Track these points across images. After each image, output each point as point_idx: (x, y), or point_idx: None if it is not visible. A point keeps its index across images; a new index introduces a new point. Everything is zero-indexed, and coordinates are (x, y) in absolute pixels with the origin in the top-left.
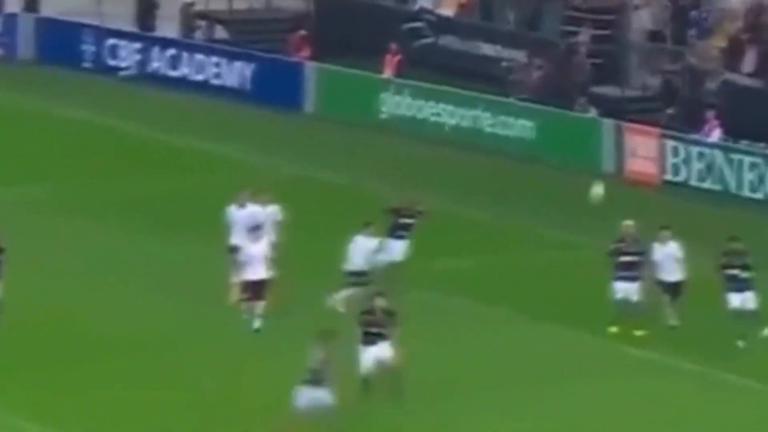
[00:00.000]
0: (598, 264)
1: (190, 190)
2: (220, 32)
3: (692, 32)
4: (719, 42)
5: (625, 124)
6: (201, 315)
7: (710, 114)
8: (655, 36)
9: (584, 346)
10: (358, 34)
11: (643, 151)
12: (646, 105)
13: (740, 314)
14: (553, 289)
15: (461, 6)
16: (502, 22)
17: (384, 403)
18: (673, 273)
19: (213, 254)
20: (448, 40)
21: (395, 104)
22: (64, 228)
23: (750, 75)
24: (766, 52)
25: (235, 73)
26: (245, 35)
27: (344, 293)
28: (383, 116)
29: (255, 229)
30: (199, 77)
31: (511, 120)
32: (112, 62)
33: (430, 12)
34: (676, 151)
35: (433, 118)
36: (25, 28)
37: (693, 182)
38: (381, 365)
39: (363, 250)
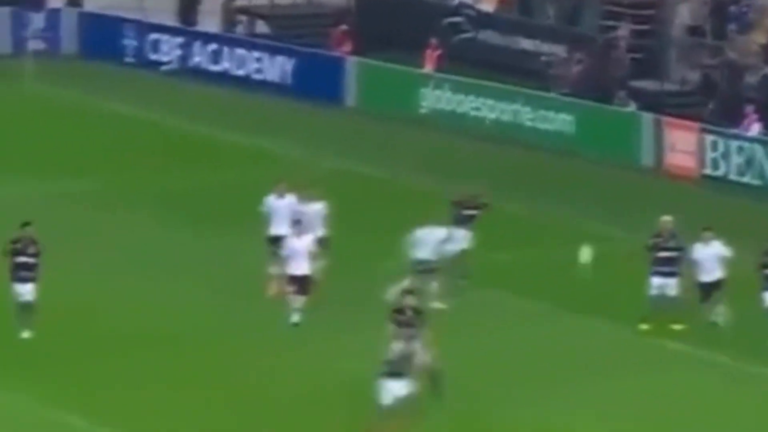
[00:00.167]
0: (637, 258)
1: (231, 185)
2: (262, 27)
3: (732, 27)
4: (759, 37)
5: (665, 119)
6: (240, 309)
7: (749, 108)
8: (694, 31)
9: (622, 340)
10: (398, 29)
11: (683, 146)
12: (685, 99)
13: None
14: (591, 282)
15: (501, 1)
16: (542, 17)
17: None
18: (712, 272)
19: (253, 248)
20: (488, 35)
21: (435, 99)
22: (105, 222)
23: None
24: None
25: (277, 68)
26: (286, 30)
27: (434, 287)
28: (423, 110)
29: (298, 224)
30: (241, 72)
31: (550, 114)
32: (154, 57)
33: (470, 7)
34: (715, 146)
35: (473, 113)
36: (68, 23)
37: (732, 177)
38: (415, 367)
39: (429, 240)
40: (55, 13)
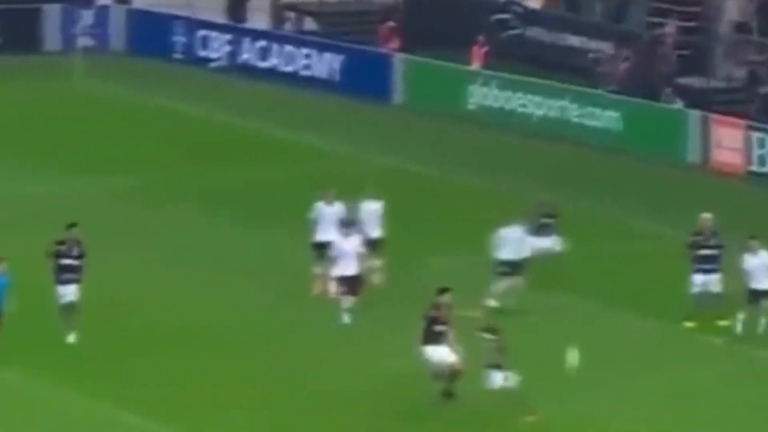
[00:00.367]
0: (683, 255)
1: (278, 181)
2: (310, 24)
3: None
4: None
5: (711, 116)
6: (286, 307)
7: None
8: (741, 27)
9: (667, 336)
10: (446, 26)
11: (729, 142)
12: (731, 96)
13: None
14: (637, 279)
15: None
16: (589, 14)
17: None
18: (763, 281)
19: (300, 246)
20: (536, 32)
21: (483, 95)
22: (153, 218)
23: None
24: None
25: (325, 65)
26: (335, 27)
27: (500, 286)
28: (471, 107)
29: (347, 225)
30: (289, 68)
31: (597, 111)
32: (202, 53)
33: (518, 4)
34: (761, 143)
35: (520, 109)
36: (117, 19)
37: None
38: (445, 366)
39: (512, 239)
40: (104, 10)
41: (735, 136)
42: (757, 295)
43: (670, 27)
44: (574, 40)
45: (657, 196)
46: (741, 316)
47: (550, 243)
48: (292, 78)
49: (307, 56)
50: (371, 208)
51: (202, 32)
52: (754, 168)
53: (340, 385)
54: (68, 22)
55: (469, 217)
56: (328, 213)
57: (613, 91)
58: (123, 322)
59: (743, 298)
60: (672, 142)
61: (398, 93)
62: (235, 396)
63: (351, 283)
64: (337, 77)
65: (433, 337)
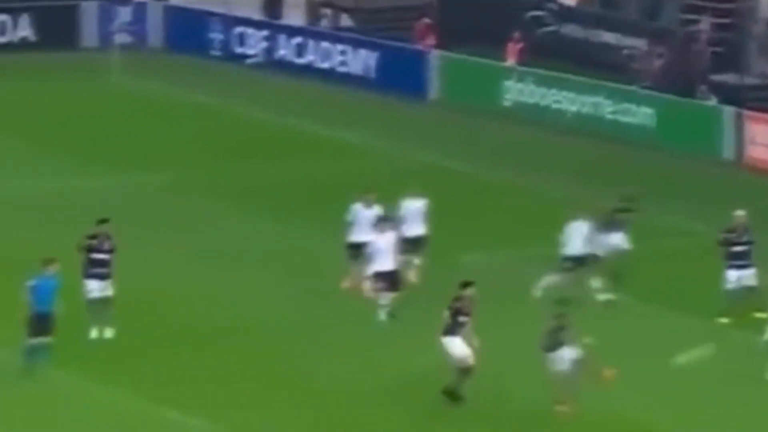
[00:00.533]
0: (717, 252)
1: (314, 177)
2: (346, 20)
3: None
4: None
5: (745, 112)
6: (322, 304)
7: None
8: None
9: (704, 333)
10: (481, 23)
11: (763, 139)
12: (765, 93)
13: None
14: (672, 275)
15: None
16: (624, 11)
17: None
18: None
19: (336, 242)
20: (570, 29)
21: (518, 92)
22: (189, 214)
23: None
24: None
25: (360, 61)
26: (370, 23)
27: (547, 279)
28: (506, 103)
29: (382, 221)
30: (325, 65)
31: (632, 107)
32: (239, 50)
33: (553, 1)
34: None
35: (555, 106)
36: (154, 16)
37: None
38: (459, 359)
39: (579, 234)
40: (141, 6)
41: None
42: None
43: (705, 24)
44: (609, 37)
45: (691, 193)
46: None
47: (618, 240)
48: (328, 74)
49: (343, 53)
50: (414, 206)
51: (238, 29)
52: None
53: (374, 383)
54: (105, 18)
55: (503, 214)
56: (366, 216)
57: (647, 88)
58: (159, 317)
59: None
60: (706, 138)
61: (434, 89)
62: (269, 393)
63: (388, 279)
64: (373, 74)
65: (452, 328)
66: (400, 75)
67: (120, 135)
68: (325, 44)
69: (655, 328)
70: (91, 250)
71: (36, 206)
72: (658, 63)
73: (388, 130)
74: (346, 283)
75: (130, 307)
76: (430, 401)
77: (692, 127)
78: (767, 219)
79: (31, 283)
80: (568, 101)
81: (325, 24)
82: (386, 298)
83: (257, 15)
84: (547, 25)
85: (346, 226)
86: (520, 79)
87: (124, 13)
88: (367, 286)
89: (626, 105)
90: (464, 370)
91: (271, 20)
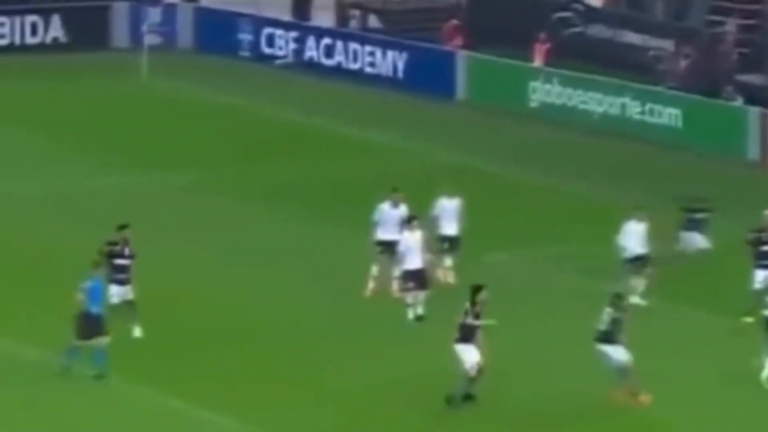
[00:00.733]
0: (743, 251)
1: (343, 177)
2: (374, 22)
3: None
4: None
5: None
6: (346, 304)
7: None
8: None
9: (728, 331)
10: (508, 24)
11: None
12: None
13: None
14: (699, 275)
15: None
16: (650, 12)
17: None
18: None
19: (363, 242)
20: (597, 30)
21: (545, 92)
22: (217, 213)
23: None
24: None
25: (389, 62)
26: (398, 25)
27: (632, 283)
28: (533, 104)
29: (411, 219)
30: (353, 66)
31: (658, 108)
32: (268, 51)
33: (579, 2)
34: None
35: (581, 106)
36: (184, 17)
37: None
38: (476, 366)
39: (636, 234)
40: (171, 8)
41: None
42: None
43: (731, 25)
44: (635, 38)
45: (717, 193)
46: None
47: (700, 240)
48: (357, 75)
49: (371, 54)
50: (449, 206)
51: (267, 30)
52: None
53: (400, 381)
54: (136, 19)
55: (529, 213)
56: (392, 215)
57: (673, 88)
58: (185, 317)
59: None
60: (732, 138)
61: (461, 90)
62: (297, 393)
63: (416, 278)
64: (401, 74)
65: (468, 335)
66: (428, 76)
67: (149, 135)
68: (353, 45)
69: (680, 328)
70: (112, 255)
71: (67, 205)
72: (684, 64)
73: (416, 130)
74: (368, 292)
75: (157, 307)
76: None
77: (718, 128)
78: None
79: (86, 284)
80: (594, 102)
81: (353, 25)
82: (414, 297)
83: (286, 16)
84: (573, 26)
85: (373, 225)
86: (547, 80)
87: (154, 14)
88: (396, 285)
89: (652, 105)
90: (473, 378)
91: (300, 21)
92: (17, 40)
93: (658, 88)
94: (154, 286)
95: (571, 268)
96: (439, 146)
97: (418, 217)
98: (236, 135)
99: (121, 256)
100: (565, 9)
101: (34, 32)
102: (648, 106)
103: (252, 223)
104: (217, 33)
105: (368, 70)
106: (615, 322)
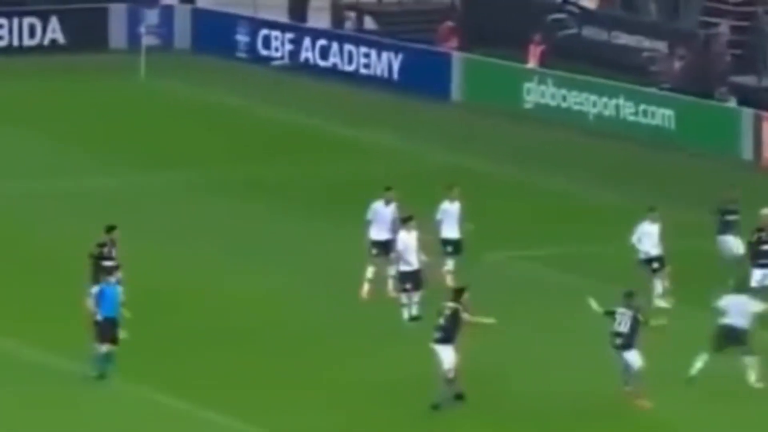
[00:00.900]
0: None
1: (339, 177)
2: (369, 23)
3: None
4: None
5: (764, 114)
6: (342, 304)
7: None
8: None
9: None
10: (503, 25)
11: None
12: None
13: None
14: (691, 275)
15: None
16: (644, 14)
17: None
18: None
19: (359, 242)
20: (591, 31)
21: (539, 93)
22: (214, 213)
23: None
24: None
25: (384, 63)
26: (394, 26)
27: (658, 289)
28: (527, 105)
29: (407, 220)
30: (349, 67)
31: (652, 109)
32: (265, 52)
33: (574, 4)
34: None
35: (576, 107)
36: (182, 18)
37: None
38: (453, 370)
39: (648, 235)
40: (168, 9)
41: None
42: None
43: (724, 27)
44: (629, 39)
45: (709, 193)
46: None
47: (735, 245)
48: (352, 76)
49: (367, 55)
50: (451, 209)
51: (264, 31)
52: None
53: (399, 381)
54: (133, 21)
55: (524, 214)
56: (385, 213)
57: (667, 89)
58: (183, 316)
59: None
60: (725, 139)
61: (456, 91)
62: (300, 394)
63: (412, 279)
64: (396, 76)
65: (449, 336)
66: (423, 77)
67: (147, 135)
68: (349, 47)
69: (680, 328)
70: (101, 257)
71: (65, 205)
72: (677, 65)
73: (411, 131)
74: (364, 293)
75: (154, 307)
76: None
77: (711, 129)
78: None
79: (96, 289)
80: (588, 103)
81: (349, 27)
82: (409, 297)
83: (283, 18)
84: (568, 27)
85: (366, 224)
86: (541, 81)
87: (152, 16)
88: (391, 286)
89: (646, 106)
90: (450, 381)
91: (297, 23)
92: (15, 42)
93: (652, 89)
94: (151, 285)
95: (567, 268)
96: (434, 147)
97: (414, 217)
98: (233, 135)
99: (109, 257)
100: (559, 11)
101: (32, 34)
102: (642, 107)
103: (249, 222)
104: (214, 34)
105: (363, 71)
106: (634, 325)
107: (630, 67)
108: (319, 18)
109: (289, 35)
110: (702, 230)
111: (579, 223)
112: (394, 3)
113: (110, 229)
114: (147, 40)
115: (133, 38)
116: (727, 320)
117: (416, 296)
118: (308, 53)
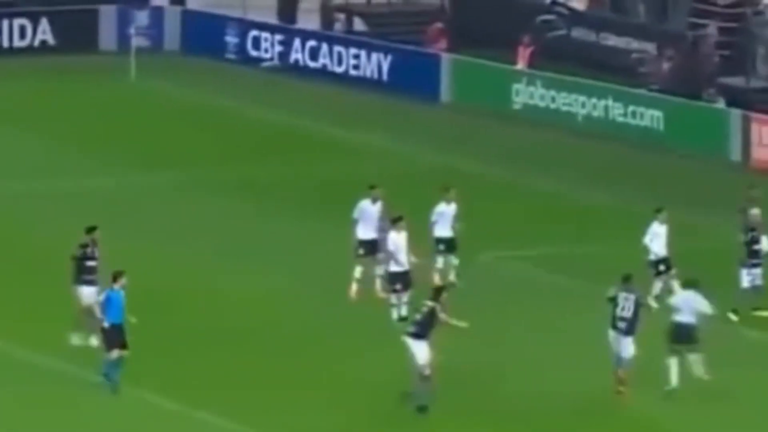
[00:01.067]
0: (725, 252)
1: (328, 179)
2: (359, 25)
3: None
4: None
5: (752, 114)
6: (333, 305)
7: None
8: None
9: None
10: (492, 27)
11: None
12: None
13: None
14: (684, 276)
15: None
16: (633, 15)
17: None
18: None
19: (349, 242)
20: (580, 32)
21: (528, 94)
22: (204, 214)
23: None
24: None
25: (374, 64)
26: (383, 28)
27: (656, 290)
28: (517, 106)
29: (397, 220)
30: (338, 68)
31: (641, 110)
32: (254, 53)
33: (563, 5)
34: None
35: (564, 108)
36: (172, 20)
37: None
38: (428, 366)
39: (657, 236)
40: (158, 10)
41: None
42: None
43: (712, 28)
44: (618, 41)
45: (698, 194)
46: None
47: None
48: (342, 78)
49: (356, 56)
50: (447, 211)
51: (254, 33)
52: None
53: (394, 381)
54: (123, 22)
55: (514, 214)
56: (372, 212)
57: (656, 91)
58: (177, 317)
59: None
60: (714, 140)
61: (445, 92)
62: (295, 395)
63: (401, 279)
64: (386, 77)
65: (424, 331)
66: (413, 78)
67: (137, 136)
68: (338, 48)
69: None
70: (85, 257)
71: (55, 205)
72: (666, 66)
73: (401, 132)
74: (352, 293)
75: (150, 307)
76: (452, 397)
77: (700, 130)
78: None
79: (102, 296)
80: (577, 104)
81: (338, 28)
82: (399, 298)
83: (272, 19)
84: (557, 28)
85: (353, 223)
86: (530, 82)
87: (142, 17)
88: (378, 285)
89: (635, 108)
90: (426, 377)
91: (286, 24)
92: (5, 43)
93: (641, 91)
94: (143, 286)
95: (557, 268)
96: (423, 148)
97: (403, 217)
98: (224, 136)
99: (92, 257)
100: (548, 12)
101: (22, 35)
102: (631, 108)
103: (240, 223)
104: (204, 36)
105: (353, 72)
106: (637, 310)
107: (619, 69)
108: (308, 19)
109: (278, 36)
110: (695, 231)
111: (569, 223)
112: (384, 4)
113: (91, 229)
114: (137, 42)
115: (123, 39)
116: (678, 318)
117: (405, 296)
118: (298, 54)
